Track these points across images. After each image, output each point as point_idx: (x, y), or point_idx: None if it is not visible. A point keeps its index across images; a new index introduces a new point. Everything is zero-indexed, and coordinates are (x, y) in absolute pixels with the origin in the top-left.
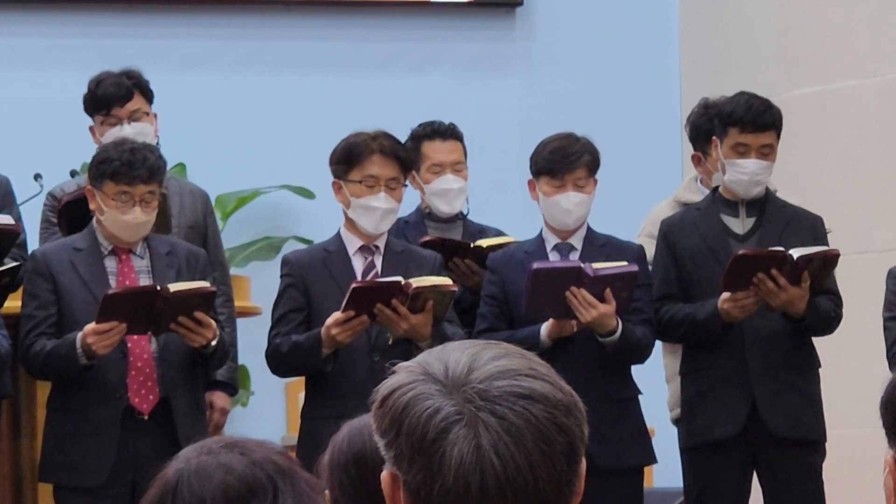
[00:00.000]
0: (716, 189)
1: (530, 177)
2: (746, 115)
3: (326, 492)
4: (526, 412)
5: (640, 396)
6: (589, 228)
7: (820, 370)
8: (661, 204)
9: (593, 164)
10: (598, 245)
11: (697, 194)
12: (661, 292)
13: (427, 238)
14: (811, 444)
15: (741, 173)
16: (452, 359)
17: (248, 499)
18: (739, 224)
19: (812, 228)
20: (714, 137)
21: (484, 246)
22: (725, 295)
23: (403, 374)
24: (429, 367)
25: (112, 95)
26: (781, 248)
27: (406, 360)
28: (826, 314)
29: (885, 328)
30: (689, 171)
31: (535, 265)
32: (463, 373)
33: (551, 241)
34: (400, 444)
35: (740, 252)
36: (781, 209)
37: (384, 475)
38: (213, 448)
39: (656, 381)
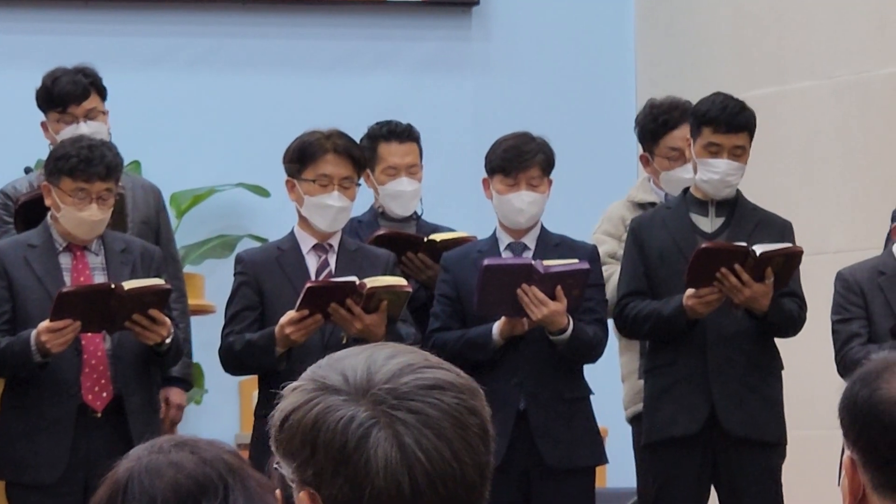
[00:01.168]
0: (687, 189)
1: (485, 175)
2: (721, 115)
3: (278, 491)
4: (439, 402)
5: (591, 396)
6: (543, 228)
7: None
8: (616, 203)
9: (547, 164)
10: (552, 245)
11: (651, 194)
12: (629, 288)
13: (380, 232)
14: (769, 445)
15: (712, 173)
16: (348, 367)
17: (199, 497)
18: (708, 223)
19: (781, 232)
20: (674, 134)
21: (437, 240)
22: (690, 291)
23: (297, 394)
24: (325, 381)
25: (69, 94)
26: (744, 244)
27: None
28: (790, 314)
29: (834, 331)
30: (643, 171)
31: (487, 261)
32: (364, 377)
33: (505, 240)
34: (318, 461)
35: (703, 245)
36: (752, 211)
37: (301, 497)
38: (163, 447)
39: (608, 381)
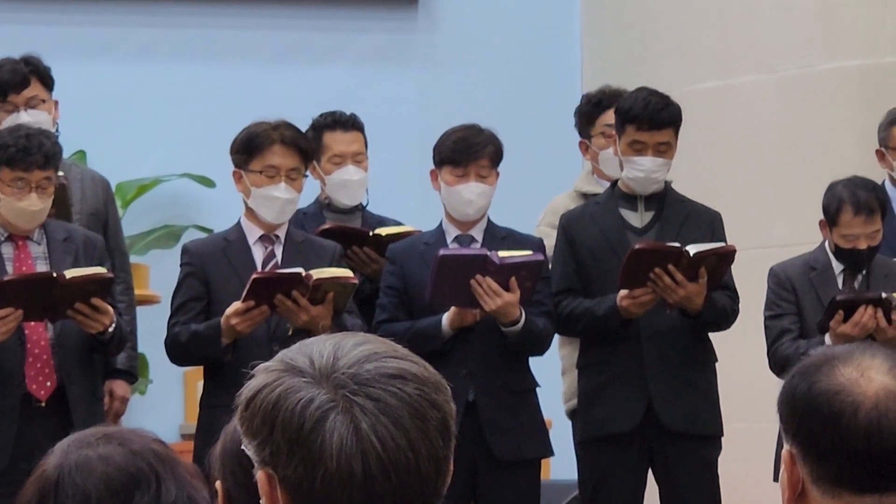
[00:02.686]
0: (615, 183)
1: (432, 167)
2: (643, 113)
3: (218, 482)
4: (400, 391)
5: (538, 389)
6: (489, 221)
7: (717, 365)
8: (560, 196)
9: (496, 156)
10: (499, 237)
11: (596, 185)
12: (561, 286)
13: (326, 226)
14: (706, 438)
15: (637, 170)
16: (316, 351)
17: (132, 490)
18: (638, 218)
19: (711, 224)
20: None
21: (383, 234)
22: (623, 292)
23: (265, 374)
24: (293, 363)
25: (7, 82)
26: (677, 245)
27: None
28: (723, 310)
29: (766, 327)
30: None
31: (442, 252)
32: (329, 362)
33: (452, 232)
34: (275, 441)
35: (636, 246)
36: (680, 204)
37: (259, 476)
38: (90, 440)
39: (553, 373)
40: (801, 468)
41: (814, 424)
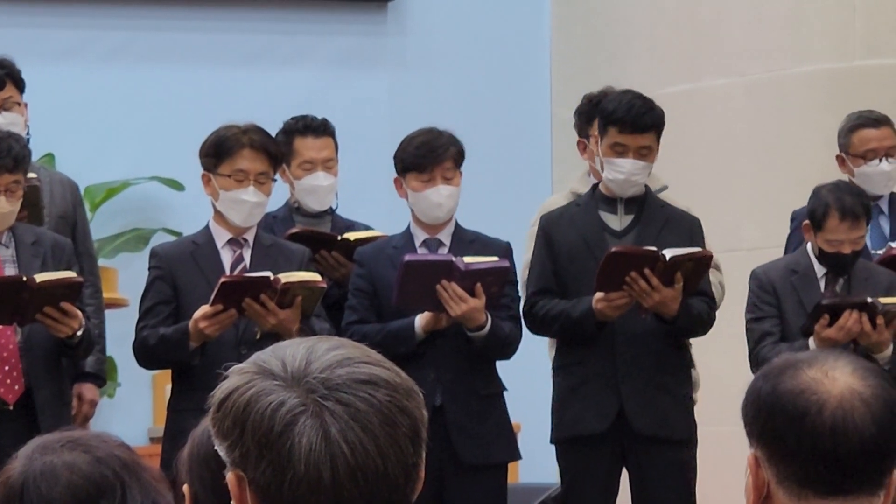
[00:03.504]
0: (596, 186)
1: (395, 175)
2: (626, 115)
3: (186, 486)
4: (370, 397)
5: (506, 393)
6: (457, 224)
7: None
8: (554, 196)
9: (459, 157)
10: (467, 241)
11: (589, 186)
12: (538, 286)
13: (294, 230)
14: (678, 443)
15: (618, 172)
16: (289, 354)
17: (97, 498)
18: (617, 221)
19: (690, 230)
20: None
21: (351, 239)
22: (599, 294)
23: (238, 376)
24: (265, 365)
25: None
26: (654, 248)
27: None
28: (699, 316)
29: (748, 329)
30: (559, 165)
31: (408, 257)
32: (302, 365)
33: (420, 236)
34: (245, 443)
35: (613, 249)
36: (660, 209)
37: (229, 477)
38: (54, 446)
39: (523, 377)
40: (766, 470)
41: (778, 424)
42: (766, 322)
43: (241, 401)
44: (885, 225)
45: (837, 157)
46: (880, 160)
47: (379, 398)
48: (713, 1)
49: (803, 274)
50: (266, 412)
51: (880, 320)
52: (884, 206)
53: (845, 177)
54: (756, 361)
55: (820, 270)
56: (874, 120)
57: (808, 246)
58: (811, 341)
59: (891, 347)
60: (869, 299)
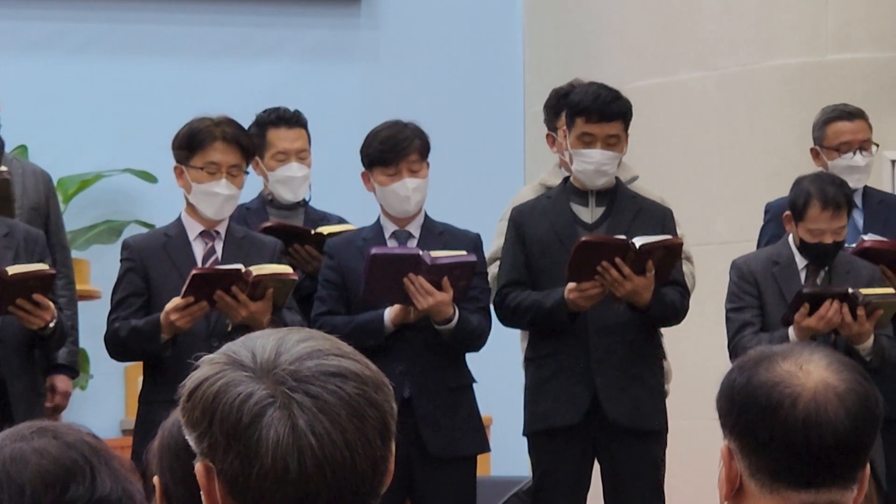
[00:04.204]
0: (567, 178)
1: (363, 169)
2: (592, 105)
3: (156, 477)
4: (339, 390)
5: (477, 385)
6: (426, 216)
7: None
8: (525, 188)
9: (424, 149)
10: (436, 233)
11: (560, 178)
12: (510, 278)
13: (268, 224)
14: (651, 434)
15: (586, 163)
16: (259, 345)
17: (67, 482)
18: (588, 213)
19: (661, 220)
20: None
21: (325, 233)
22: (571, 285)
23: (208, 366)
24: (235, 356)
25: None
26: (624, 237)
27: None
28: (672, 304)
29: (728, 319)
30: (532, 159)
31: (374, 251)
32: (271, 357)
33: (389, 228)
34: (213, 434)
35: (583, 239)
36: (631, 200)
37: (198, 468)
38: (24, 434)
39: (494, 369)
40: (738, 462)
41: (752, 416)
42: (747, 312)
43: (210, 391)
44: (858, 219)
45: (812, 149)
46: (854, 153)
47: (347, 391)
48: None
49: (785, 265)
50: (234, 403)
51: (861, 311)
52: (857, 200)
53: (819, 170)
54: (735, 351)
55: (801, 262)
56: (849, 113)
57: (790, 237)
58: (791, 331)
59: (871, 339)
60: (850, 290)
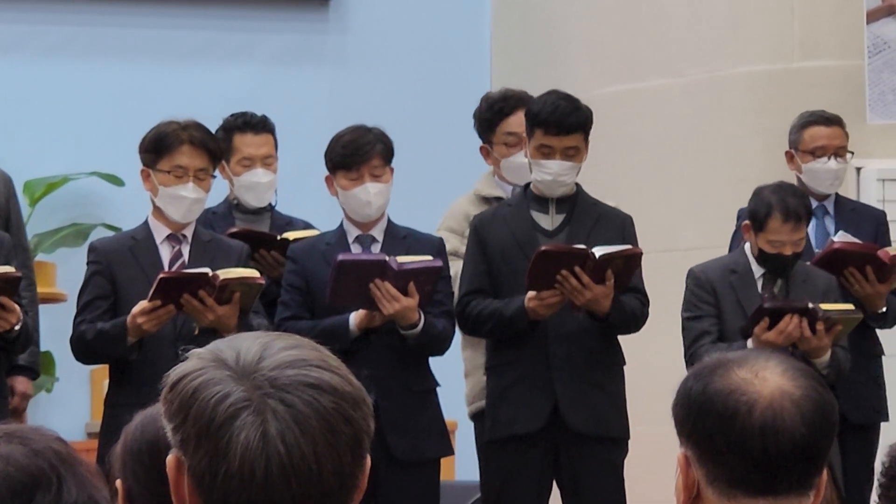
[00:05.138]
0: (528, 185)
1: (327, 174)
2: (551, 117)
3: (118, 481)
4: (314, 401)
5: (442, 390)
6: (389, 221)
7: (625, 367)
8: (460, 199)
9: (387, 153)
10: (400, 237)
11: (497, 188)
12: (471, 286)
13: (234, 230)
14: (612, 441)
15: (545, 174)
16: (244, 347)
17: (34, 490)
18: (549, 220)
19: (621, 227)
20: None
21: (290, 238)
22: (531, 293)
23: (194, 360)
24: (220, 354)
25: None
26: (583, 247)
27: None
28: (632, 312)
29: (684, 328)
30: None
31: (340, 257)
32: (254, 360)
33: (352, 232)
34: (187, 429)
35: (543, 248)
36: (592, 207)
37: (169, 459)
38: None
39: (459, 373)
40: (696, 470)
41: (709, 423)
42: (705, 321)
43: (189, 386)
44: (830, 226)
45: (787, 153)
46: (829, 158)
47: (323, 403)
48: (653, 1)
49: (742, 274)
50: (210, 402)
51: (820, 326)
52: (829, 206)
53: (793, 173)
54: (693, 360)
55: (758, 271)
56: (826, 118)
57: (747, 246)
58: (750, 343)
59: (829, 353)
60: (810, 304)
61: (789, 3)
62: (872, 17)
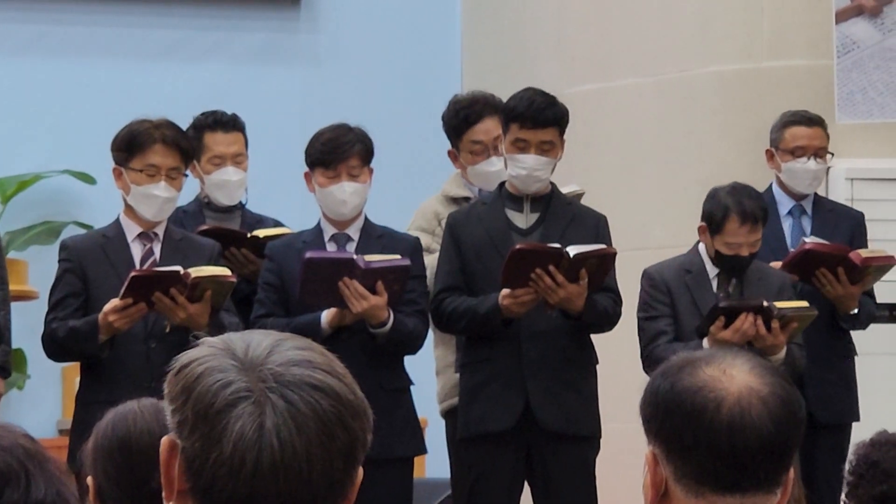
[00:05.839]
0: (503, 184)
1: (306, 169)
2: (527, 111)
3: (89, 478)
4: (315, 403)
5: (413, 388)
6: (366, 219)
7: (598, 366)
8: (429, 199)
9: (366, 154)
10: (375, 236)
11: (464, 189)
12: (445, 284)
13: (204, 227)
14: (584, 439)
15: (520, 168)
16: (255, 340)
17: (2, 486)
18: (523, 219)
19: (595, 227)
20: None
21: (261, 236)
22: (505, 291)
23: (205, 347)
24: (231, 344)
25: None
26: (558, 245)
27: (182, 347)
28: (604, 311)
29: (640, 329)
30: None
31: (308, 254)
32: (263, 354)
33: (329, 231)
34: (186, 411)
35: (517, 246)
36: (566, 206)
37: (164, 440)
38: None
39: (431, 372)
40: (664, 467)
41: (676, 421)
42: (661, 321)
43: (195, 371)
44: (806, 225)
45: (767, 151)
46: (809, 158)
47: (324, 406)
48: (623, 1)
49: (697, 274)
50: (212, 387)
51: (775, 324)
52: (807, 206)
53: (772, 172)
54: (649, 361)
55: (713, 271)
56: (808, 119)
57: (701, 246)
58: (706, 342)
59: (784, 351)
60: (765, 303)
61: (759, 3)
62: (841, 16)
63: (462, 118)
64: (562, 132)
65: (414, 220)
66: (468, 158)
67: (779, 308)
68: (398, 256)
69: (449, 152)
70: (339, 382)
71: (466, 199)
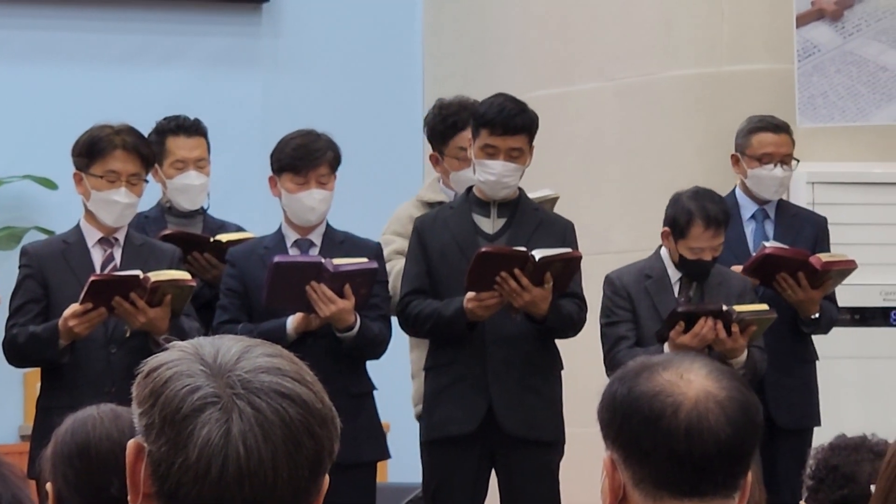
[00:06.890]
0: (470, 189)
1: (269, 174)
2: (497, 117)
3: (49, 484)
4: (282, 410)
5: (376, 392)
6: (328, 225)
7: (563, 372)
8: (405, 204)
9: (335, 162)
10: (337, 242)
11: (440, 194)
12: (411, 287)
13: (167, 232)
14: (547, 444)
15: (489, 174)
16: (225, 346)
17: None
18: (490, 224)
19: (562, 233)
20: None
21: (223, 241)
22: (470, 294)
23: (175, 351)
24: (200, 349)
25: None
26: (523, 249)
27: (143, 352)
28: (569, 316)
29: (602, 334)
30: (430, 168)
31: (277, 258)
32: (232, 360)
33: (291, 236)
34: (153, 415)
35: (483, 249)
36: (533, 212)
37: (130, 443)
38: None
39: (392, 376)
40: (622, 472)
41: (634, 426)
42: (622, 326)
43: (164, 374)
44: (770, 230)
45: (732, 156)
46: (775, 165)
47: (291, 414)
48: (584, 5)
49: (658, 278)
50: (180, 392)
51: (735, 328)
52: (771, 211)
53: (737, 177)
54: (611, 366)
55: (674, 275)
56: (775, 125)
57: (663, 250)
58: (666, 347)
59: (745, 354)
60: (724, 307)
61: (719, 7)
62: (802, 20)
63: (450, 124)
64: (531, 139)
65: (389, 224)
66: (453, 164)
67: (738, 312)
68: (365, 259)
69: (431, 156)
70: (307, 391)
71: (442, 203)
